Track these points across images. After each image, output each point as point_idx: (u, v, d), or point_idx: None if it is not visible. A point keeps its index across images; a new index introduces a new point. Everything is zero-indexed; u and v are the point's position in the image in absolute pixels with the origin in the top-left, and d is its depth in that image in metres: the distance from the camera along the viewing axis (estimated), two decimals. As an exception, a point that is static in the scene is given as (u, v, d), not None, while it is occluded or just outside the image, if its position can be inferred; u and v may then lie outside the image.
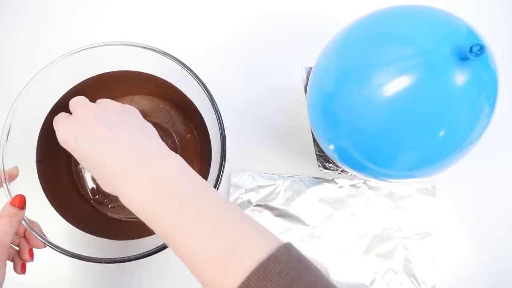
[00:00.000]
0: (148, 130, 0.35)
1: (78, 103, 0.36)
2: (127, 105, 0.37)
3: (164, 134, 0.49)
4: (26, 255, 0.39)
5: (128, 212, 0.48)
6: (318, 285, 0.25)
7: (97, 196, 0.48)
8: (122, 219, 0.48)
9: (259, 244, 0.26)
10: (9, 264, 0.37)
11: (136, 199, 0.29)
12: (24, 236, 0.40)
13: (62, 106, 0.45)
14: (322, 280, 0.26)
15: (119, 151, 0.31)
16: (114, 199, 0.48)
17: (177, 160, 0.31)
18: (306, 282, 0.25)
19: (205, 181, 0.30)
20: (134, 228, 0.47)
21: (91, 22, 0.54)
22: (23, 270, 0.39)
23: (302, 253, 0.27)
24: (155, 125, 0.49)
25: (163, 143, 0.34)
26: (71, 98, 0.45)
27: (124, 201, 0.30)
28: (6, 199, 0.37)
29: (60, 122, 0.35)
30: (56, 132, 0.35)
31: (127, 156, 0.31)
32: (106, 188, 0.32)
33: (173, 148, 0.49)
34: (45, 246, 0.39)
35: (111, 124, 0.33)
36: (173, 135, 0.49)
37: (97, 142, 0.32)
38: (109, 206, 0.48)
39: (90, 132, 0.33)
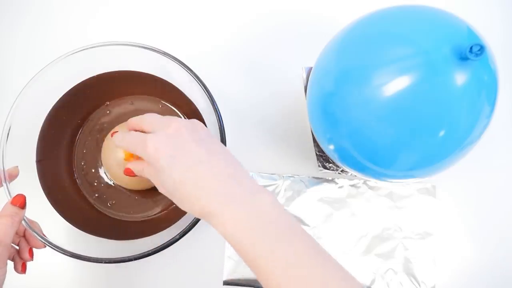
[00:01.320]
0: (234, 158, 0.34)
1: (159, 120, 0.35)
2: (208, 129, 0.36)
3: None
4: (26, 255, 0.39)
5: (128, 211, 0.48)
6: None
7: (97, 196, 0.48)
8: (122, 219, 0.48)
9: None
10: (10, 264, 0.37)
11: (230, 230, 0.29)
12: (24, 236, 0.40)
13: (62, 106, 0.45)
14: None
15: (214, 178, 0.31)
16: (112, 197, 0.48)
17: (271, 196, 0.31)
18: None
19: (296, 220, 0.32)
20: (134, 228, 0.47)
21: (91, 22, 0.54)
22: (23, 269, 0.39)
23: None
24: None
25: (248, 174, 0.33)
26: (71, 98, 0.45)
27: (217, 228, 0.30)
28: (6, 199, 0.37)
29: (150, 139, 0.33)
30: (142, 147, 0.33)
31: (227, 185, 0.30)
32: (196, 213, 0.31)
33: None
34: (45, 246, 0.39)
35: (208, 149, 0.32)
36: None
37: (195, 165, 0.31)
38: (108, 205, 0.48)
39: (189, 153, 0.32)
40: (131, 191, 0.48)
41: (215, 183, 0.31)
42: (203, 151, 0.32)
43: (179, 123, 0.33)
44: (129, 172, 0.37)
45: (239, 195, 0.30)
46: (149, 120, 0.36)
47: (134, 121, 0.38)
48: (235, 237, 0.29)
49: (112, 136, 0.38)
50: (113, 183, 0.48)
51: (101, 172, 0.49)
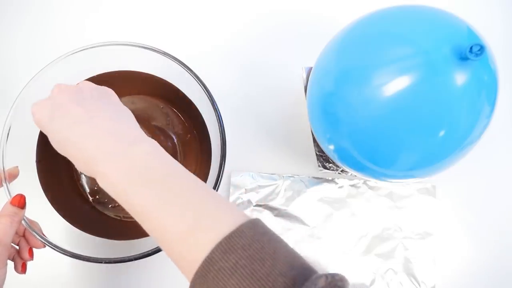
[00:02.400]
0: (123, 114, 0.35)
1: (56, 85, 0.36)
2: (104, 87, 0.37)
3: (163, 135, 0.49)
4: (26, 254, 0.39)
5: (128, 212, 0.48)
6: (282, 254, 0.26)
7: (97, 196, 0.48)
8: (122, 219, 0.48)
9: (225, 219, 0.27)
10: (10, 264, 0.37)
11: (111, 182, 0.30)
12: (24, 236, 0.40)
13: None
14: (286, 250, 0.27)
15: (95, 136, 0.31)
16: (113, 199, 0.48)
17: (150, 144, 0.32)
18: (270, 251, 0.25)
19: (178, 162, 0.31)
20: (134, 228, 0.47)
21: (91, 22, 0.54)
22: (23, 269, 0.39)
23: (270, 228, 0.28)
24: (154, 128, 0.49)
25: (138, 127, 0.34)
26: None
27: (101, 183, 0.31)
28: (6, 199, 0.37)
29: (36, 103, 0.34)
30: (31, 113, 0.34)
31: (103, 140, 0.31)
32: (81, 169, 0.32)
33: (173, 149, 0.49)
34: (45, 246, 0.39)
35: (87, 107, 0.33)
36: (172, 136, 0.49)
37: (73, 124, 0.32)
38: (110, 206, 0.48)
39: (66, 113, 0.32)
40: None
41: (93, 140, 0.31)
42: (82, 110, 0.32)
43: (58, 87, 0.34)
44: None
45: (116, 149, 0.30)
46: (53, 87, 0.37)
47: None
48: (112, 191, 0.30)
49: None
50: None
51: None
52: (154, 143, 0.32)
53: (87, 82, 0.37)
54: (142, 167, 0.30)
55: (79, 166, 0.32)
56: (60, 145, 0.33)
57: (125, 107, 0.36)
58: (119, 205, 0.47)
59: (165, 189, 0.29)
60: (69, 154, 0.33)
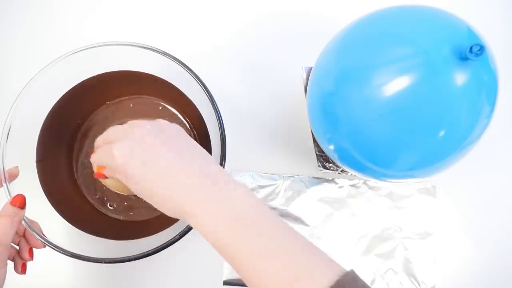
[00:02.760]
0: (206, 154, 0.34)
1: (135, 124, 0.34)
2: (176, 125, 0.36)
3: None
4: (26, 254, 0.39)
5: (128, 212, 0.48)
6: None
7: (97, 196, 0.48)
8: (122, 219, 0.48)
9: (325, 271, 0.27)
10: (10, 264, 0.37)
11: (206, 226, 0.30)
12: (24, 236, 0.40)
13: (62, 106, 0.45)
14: None
15: (188, 179, 0.31)
16: (112, 198, 0.48)
17: (243, 188, 0.31)
18: None
19: (270, 209, 0.32)
20: (134, 228, 0.47)
21: (91, 22, 0.54)
22: (23, 270, 0.39)
23: (365, 281, 0.28)
24: None
25: (221, 167, 0.33)
26: (71, 98, 0.45)
27: (194, 226, 0.31)
28: (6, 199, 0.37)
29: (116, 148, 0.32)
30: (111, 158, 0.32)
31: (197, 184, 0.31)
32: (168, 212, 0.32)
33: None
34: (45, 246, 0.38)
35: (177, 149, 0.32)
36: None
37: (166, 168, 0.31)
38: (108, 205, 0.48)
39: (158, 157, 0.31)
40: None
41: (188, 183, 0.31)
42: (173, 153, 0.32)
43: (143, 128, 0.33)
44: (99, 175, 0.37)
45: (211, 193, 0.30)
46: (112, 132, 0.35)
47: (100, 139, 0.37)
48: (209, 235, 0.30)
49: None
50: None
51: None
52: (246, 187, 0.32)
53: (164, 121, 0.35)
54: (238, 212, 0.30)
55: (166, 208, 0.31)
56: (150, 190, 0.32)
57: (198, 144, 0.35)
58: (118, 206, 0.48)
59: (263, 236, 0.29)
60: (156, 197, 0.31)
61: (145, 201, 0.32)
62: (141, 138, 0.32)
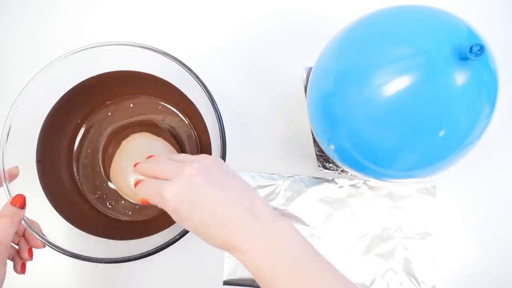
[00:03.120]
0: (249, 188, 0.35)
1: (184, 165, 0.35)
2: (220, 159, 0.37)
3: (163, 136, 0.49)
4: (25, 254, 0.39)
5: (128, 212, 0.48)
6: None
7: (97, 196, 0.48)
8: (122, 219, 0.48)
9: None
10: (9, 264, 0.37)
11: (255, 260, 0.31)
12: (24, 235, 0.40)
13: (62, 106, 0.45)
14: None
15: (236, 214, 0.32)
16: (113, 197, 0.48)
17: (287, 222, 0.33)
18: None
19: (310, 243, 0.33)
20: (134, 228, 0.47)
21: (91, 22, 0.54)
22: (23, 269, 0.39)
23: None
24: (154, 128, 0.49)
25: (263, 200, 0.35)
26: (71, 98, 0.45)
27: (243, 260, 0.32)
28: (6, 199, 0.37)
29: (167, 189, 0.33)
30: (160, 199, 0.34)
31: (243, 220, 0.32)
32: (217, 246, 0.33)
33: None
34: (45, 246, 0.38)
35: (223, 187, 0.33)
36: (172, 137, 0.49)
37: (215, 207, 0.32)
38: (108, 204, 0.48)
39: (206, 197, 0.33)
40: None
41: (235, 220, 0.32)
42: (220, 191, 0.33)
43: (191, 168, 0.34)
44: (145, 202, 0.38)
45: (257, 228, 0.32)
46: (161, 168, 0.36)
47: (145, 168, 0.38)
48: (257, 269, 0.31)
49: (135, 186, 0.39)
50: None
51: (102, 173, 0.49)
52: (289, 221, 0.33)
53: (205, 156, 0.36)
54: (285, 246, 0.31)
55: (216, 243, 0.33)
56: (198, 228, 0.33)
57: (241, 178, 0.36)
58: (116, 204, 0.48)
59: (309, 273, 0.31)
60: (206, 236, 0.33)
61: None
62: (189, 178, 0.33)
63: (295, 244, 0.32)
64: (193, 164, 0.34)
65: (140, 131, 0.49)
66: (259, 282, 0.32)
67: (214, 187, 0.33)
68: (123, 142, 0.48)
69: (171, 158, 0.37)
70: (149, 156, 0.41)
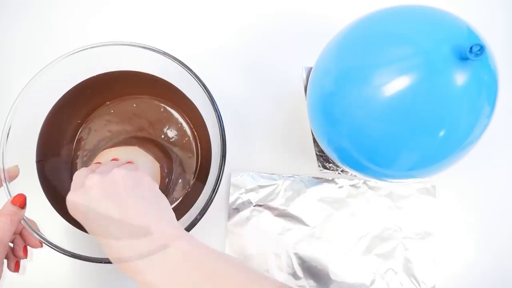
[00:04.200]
0: (158, 206, 0.34)
1: (90, 176, 0.35)
2: (137, 172, 0.36)
3: (163, 136, 0.49)
4: (20, 253, 0.39)
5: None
6: None
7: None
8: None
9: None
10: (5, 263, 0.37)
11: (150, 286, 0.30)
12: (20, 234, 0.40)
13: (62, 106, 0.45)
14: None
15: (128, 236, 0.31)
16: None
17: (186, 242, 0.31)
18: None
19: (217, 253, 0.31)
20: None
21: (91, 22, 0.54)
22: (17, 268, 0.39)
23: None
24: (154, 128, 0.49)
25: (173, 219, 0.34)
26: (71, 98, 0.45)
27: (137, 284, 0.31)
28: (6, 199, 0.37)
29: (71, 193, 0.34)
30: (67, 204, 0.34)
31: (136, 243, 0.31)
32: (117, 267, 0.32)
33: (168, 169, 0.48)
34: (42, 246, 0.38)
35: (121, 203, 0.32)
36: (171, 137, 0.49)
37: (106, 223, 0.32)
38: None
39: (99, 211, 0.32)
40: None
41: (124, 244, 0.31)
42: (115, 208, 0.32)
43: (90, 181, 0.33)
44: None
45: (144, 251, 0.30)
46: (76, 175, 0.37)
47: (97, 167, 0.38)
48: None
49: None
50: None
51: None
52: (189, 239, 0.32)
53: (120, 170, 0.35)
54: (182, 271, 0.30)
55: (114, 262, 0.32)
56: (96, 235, 0.33)
57: (160, 194, 0.35)
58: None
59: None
60: (104, 251, 0.32)
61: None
62: (87, 189, 0.33)
63: (192, 265, 0.30)
64: (95, 176, 0.33)
65: (137, 136, 0.49)
66: None
67: (110, 202, 0.32)
68: (104, 151, 0.46)
69: (96, 167, 0.38)
70: (113, 159, 0.42)
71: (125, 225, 0.31)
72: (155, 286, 0.29)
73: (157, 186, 0.36)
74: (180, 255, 0.30)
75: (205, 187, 0.43)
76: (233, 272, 0.31)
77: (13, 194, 0.37)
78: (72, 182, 0.36)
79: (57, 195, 0.44)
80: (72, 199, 0.33)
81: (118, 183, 0.33)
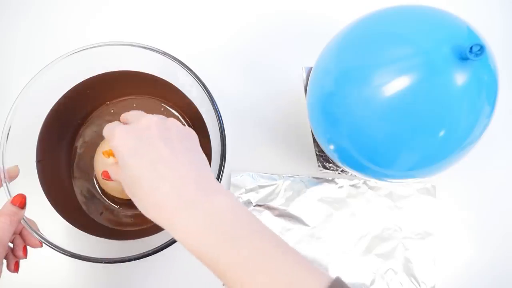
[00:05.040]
0: (203, 161, 0.33)
1: (138, 113, 0.35)
2: (188, 129, 0.35)
3: None
4: (20, 252, 0.38)
5: (127, 212, 0.48)
6: None
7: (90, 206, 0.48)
8: (122, 220, 0.48)
9: (313, 282, 0.27)
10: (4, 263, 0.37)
11: (189, 235, 0.29)
12: (20, 234, 0.39)
13: (62, 106, 0.45)
14: None
15: (177, 180, 0.30)
16: (113, 199, 0.48)
17: (230, 197, 0.30)
18: None
19: (257, 218, 0.30)
20: (134, 229, 0.47)
21: (91, 22, 0.54)
22: (16, 268, 0.39)
23: (350, 286, 0.28)
24: None
25: (214, 177, 0.32)
26: (71, 98, 0.45)
27: (174, 234, 0.29)
28: (6, 199, 0.37)
29: (117, 128, 0.32)
30: (111, 137, 0.33)
31: (184, 187, 0.30)
32: (149, 214, 0.30)
33: None
34: (42, 246, 0.38)
35: (173, 148, 0.31)
36: None
37: (155, 163, 0.30)
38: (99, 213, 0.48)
39: (151, 150, 0.31)
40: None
41: (171, 185, 0.30)
42: (167, 149, 0.31)
43: (149, 119, 0.33)
44: (106, 176, 0.36)
45: (193, 199, 0.29)
46: (127, 114, 0.37)
47: (122, 116, 0.38)
48: (190, 244, 0.29)
49: (103, 176, 0.38)
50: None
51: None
52: (233, 196, 0.31)
53: (174, 121, 0.35)
54: (226, 221, 0.28)
55: (147, 210, 0.30)
56: (132, 182, 0.31)
57: (202, 153, 0.34)
58: (110, 212, 0.48)
59: (252, 249, 0.28)
60: (139, 194, 0.31)
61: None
62: (143, 126, 0.32)
63: (235, 218, 0.29)
64: (152, 117, 0.33)
65: None
66: (201, 261, 0.29)
67: (163, 143, 0.31)
68: (103, 141, 0.47)
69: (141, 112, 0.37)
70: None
71: (174, 167, 0.30)
72: (195, 234, 0.28)
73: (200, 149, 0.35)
74: (226, 208, 0.29)
75: (205, 187, 0.43)
76: (273, 233, 0.30)
77: (13, 194, 0.37)
78: (123, 117, 0.36)
79: (57, 195, 0.44)
80: (123, 129, 0.32)
81: (171, 130, 0.33)
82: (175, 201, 0.29)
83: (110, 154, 0.37)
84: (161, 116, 0.35)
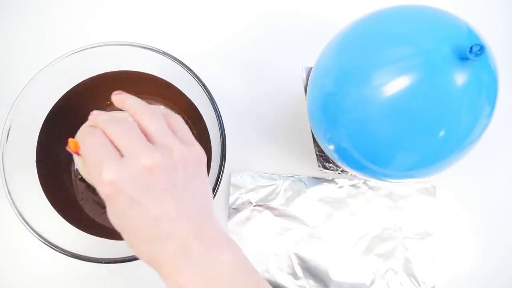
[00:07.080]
0: (209, 200, 0.30)
1: (138, 139, 0.27)
2: (197, 151, 0.30)
3: None
4: None
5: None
6: None
7: (97, 196, 0.48)
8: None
9: None
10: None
11: None
12: None
13: (62, 106, 0.45)
14: None
15: (183, 239, 0.27)
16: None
17: (234, 253, 0.28)
18: None
19: (260, 275, 0.29)
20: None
21: (90, 22, 0.54)
22: None
23: None
24: None
25: (218, 222, 0.30)
26: (71, 98, 0.45)
27: (168, 285, 0.28)
28: (6, 199, 0.37)
29: (108, 166, 0.26)
30: (96, 166, 0.26)
31: (189, 246, 0.27)
32: (145, 260, 0.28)
33: None
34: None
35: (179, 196, 0.27)
36: None
37: (159, 220, 0.26)
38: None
39: (153, 202, 0.26)
40: None
41: (175, 244, 0.27)
42: (173, 202, 0.27)
43: (151, 160, 0.26)
44: (74, 150, 0.30)
45: (196, 258, 0.27)
46: (122, 133, 0.28)
47: (122, 105, 0.31)
48: None
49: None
50: None
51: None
52: (238, 251, 0.29)
53: (181, 150, 0.28)
54: (228, 281, 0.27)
55: (141, 255, 0.28)
56: (123, 223, 0.28)
57: (207, 181, 0.31)
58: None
59: None
60: (132, 240, 0.28)
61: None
62: (142, 170, 0.26)
63: (240, 277, 0.27)
64: (156, 155, 0.26)
65: None
66: None
67: (169, 194, 0.27)
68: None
69: (152, 121, 0.29)
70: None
71: (180, 224, 0.27)
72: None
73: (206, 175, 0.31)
74: (228, 269, 0.27)
75: (205, 187, 0.43)
76: None
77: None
78: (114, 134, 0.28)
79: (57, 195, 0.44)
80: (114, 164, 0.26)
81: (178, 169, 0.28)
82: (177, 260, 0.27)
83: (78, 147, 0.30)
84: (162, 149, 0.28)
